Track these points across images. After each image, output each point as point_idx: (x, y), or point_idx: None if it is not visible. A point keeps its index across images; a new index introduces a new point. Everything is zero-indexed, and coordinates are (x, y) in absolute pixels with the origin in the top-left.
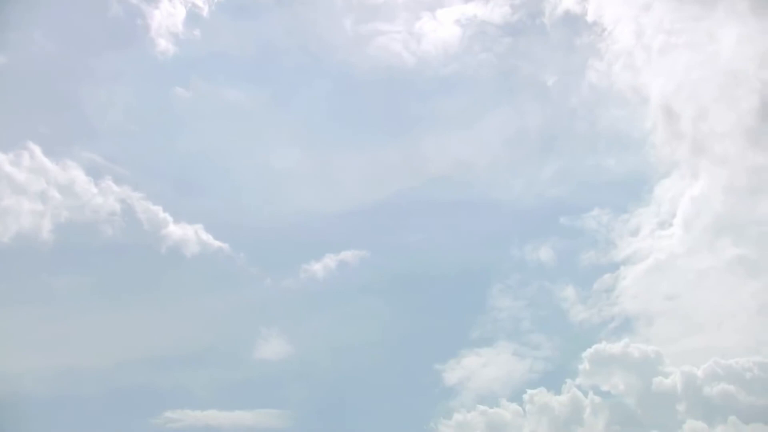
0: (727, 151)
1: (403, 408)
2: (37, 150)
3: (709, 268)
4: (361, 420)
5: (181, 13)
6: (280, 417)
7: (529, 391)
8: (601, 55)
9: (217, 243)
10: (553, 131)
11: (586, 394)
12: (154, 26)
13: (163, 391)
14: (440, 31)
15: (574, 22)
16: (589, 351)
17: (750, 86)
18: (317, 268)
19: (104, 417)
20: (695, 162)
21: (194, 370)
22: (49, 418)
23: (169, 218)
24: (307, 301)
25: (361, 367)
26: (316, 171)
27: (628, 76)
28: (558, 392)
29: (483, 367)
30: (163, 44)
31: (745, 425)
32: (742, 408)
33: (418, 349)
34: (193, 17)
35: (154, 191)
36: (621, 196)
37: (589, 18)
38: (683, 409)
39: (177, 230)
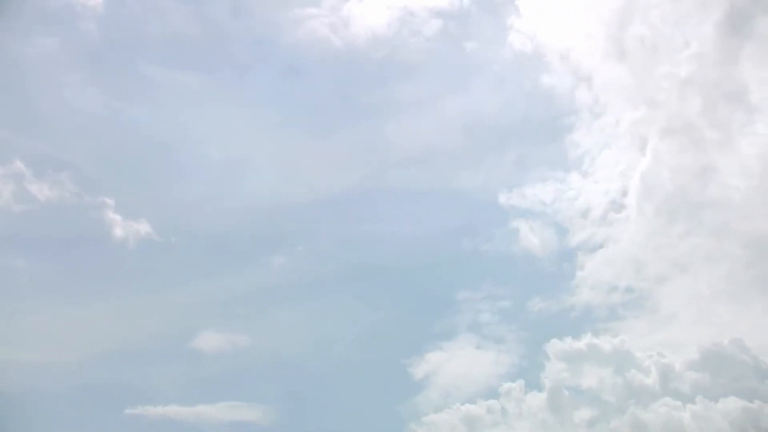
0: (672, 119)
1: (374, 399)
2: None
3: (666, 257)
4: (330, 412)
5: None
6: (243, 408)
7: (504, 385)
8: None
9: (171, 236)
10: (499, 112)
11: (557, 388)
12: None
13: (123, 388)
14: (368, 15)
15: None
16: (554, 346)
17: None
18: (276, 260)
19: (66, 416)
20: (640, 132)
21: (152, 366)
22: (6, 417)
23: (117, 211)
24: (266, 294)
25: (327, 360)
26: (268, 161)
27: (554, 41)
28: (531, 387)
29: (448, 361)
30: (100, 27)
31: (715, 403)
32: (714, 389)
33: (384, 343)
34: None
35: (101, 183)
36: (565, 171)
37: None
38: (657, 398)
39: (125, 224)
